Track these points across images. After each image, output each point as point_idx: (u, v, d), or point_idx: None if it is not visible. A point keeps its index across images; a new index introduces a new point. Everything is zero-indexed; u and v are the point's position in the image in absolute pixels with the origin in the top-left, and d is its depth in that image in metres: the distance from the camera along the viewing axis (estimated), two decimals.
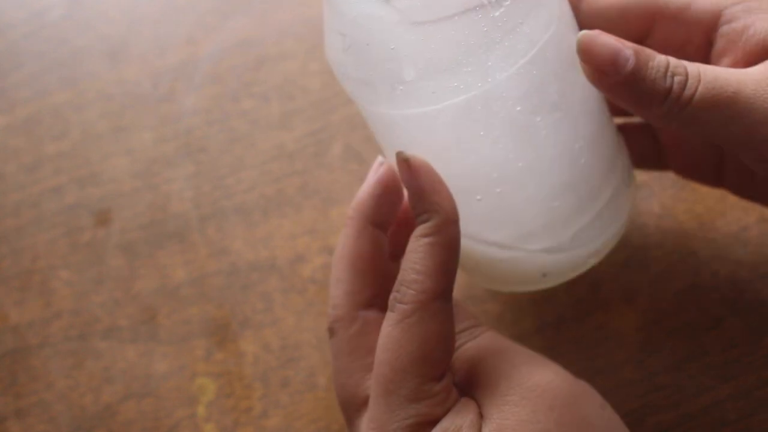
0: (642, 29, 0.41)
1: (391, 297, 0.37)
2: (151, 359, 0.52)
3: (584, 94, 0.40)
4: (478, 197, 0.41)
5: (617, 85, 0.36)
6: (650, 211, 0.51)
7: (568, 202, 0.42)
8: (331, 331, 0.40)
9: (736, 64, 0.39)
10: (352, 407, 0.39)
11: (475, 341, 0.39)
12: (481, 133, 0.38)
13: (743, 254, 0.50)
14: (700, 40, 0.40)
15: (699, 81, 0.36)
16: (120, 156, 0.58)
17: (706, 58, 0.41)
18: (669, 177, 0.52)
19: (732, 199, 0.51)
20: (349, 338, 0.39)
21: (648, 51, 0.36)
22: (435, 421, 0.36)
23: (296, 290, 0.52)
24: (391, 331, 0.36)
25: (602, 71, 0.36)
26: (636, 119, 0.48)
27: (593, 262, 0.44)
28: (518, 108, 0.38)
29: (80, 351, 0.52)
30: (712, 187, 0.47)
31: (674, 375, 0.47)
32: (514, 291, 0.47)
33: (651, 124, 0.44)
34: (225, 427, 0.49)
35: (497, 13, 0.35)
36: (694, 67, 0.36)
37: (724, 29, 0.39)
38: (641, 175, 0.52)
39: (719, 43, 0.40)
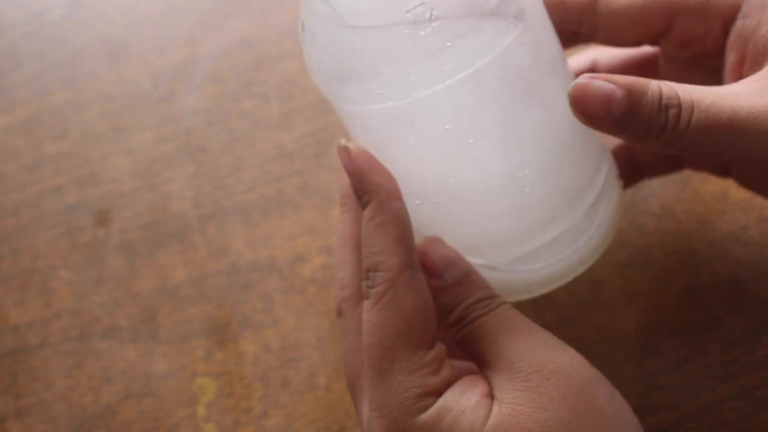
0: (662, 25, 0.41)
1: (363, 285, 0.38)
2: (151, 359, 0.52)
3: (540, 126, 0.40)
4: (417, 202, 0.41)
5: (613, 127, 0.36)
6: (650, 211, 0.51)
7: (508, 227, 0.41)
8: (339, 312, 0.41)
9: (741, 61, 0.39)
10: (357, 387, 0.39)
11: (491, 316, 0.38)
12: (410, 142, 0.39)
13: (743, 254, 0.50)
14: (719, 32, 0.40)
15: (692, 110, 0.36)
16: (120, 156, 0.58)
17: (723, 48, 0.41)
18: (669, 177, 0.52)
19: (732, 199, 0.51)
20: (357, 317, 0.40)
21: (641, 84, 0.36)
22: (434, 392, 0.36)
23: (296, 290, 0.52)
24: (370, 316, 0.37)
25: (597, 118, 0.36)
26: None
27: (541, 291, 0.44)
28: (447, 126, 0.38)
29: (80, 351, 0.52)
30: (720, 177, 0.48)
31: (674, 375, 0.47)
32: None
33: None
34: (225, 427, 0.49)
35: (423, 33, 0.36)
36: (687, 96, 0.36)
37: (738, 23, 0.39)
38: None
39: (731, 37, 0.40)
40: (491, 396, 0.36)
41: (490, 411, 0.35)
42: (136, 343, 0.52)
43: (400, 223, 0.38)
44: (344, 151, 0.39)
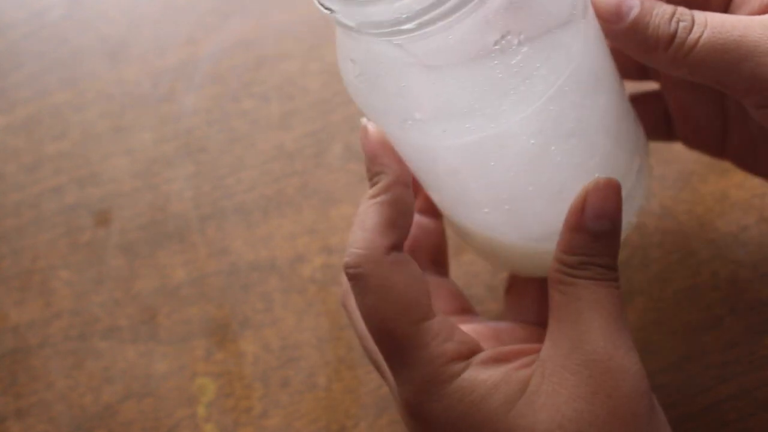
0: None
1: (344, 263, 0.37)
2: (151, 359, 0.52)
3: (604, 111, 0.40)
4: (486, 210, 0.40)
5: (622, 34, 0.36)
6: (650, 212, 0.51)
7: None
8: (357, 277, 0.38)
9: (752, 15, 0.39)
10: (379, 361, 0.39)
11: (598, 286, 0.37)
12: (492, 163, 0.38)
13: (743, 254, 0.50)
14: None
15: (705, 26, 0.36)
16: (120, 156, 0.58)
17: (726, 11, 0.40)
18: (669, 178, 0.52)
19: (732, 199, 0.51)
20: (380, 275, 0.37)
21: (654, 1, 0.36)
22: (456, 357, 0.36)
23: (296, 290, 0.52)
24: (362, 301, 0.36)
25: (608, 21, 0.36)
26: (648, 88, 0.48)
27: None
28: (532, 141, 0.37)
29: (80, 351, 0.52)
30: (716, 158, 0.47)
31: (674, 375, 0.47)
32: (530, 275, 0.47)
33: (661, 85, 0.43)
34: (225, 427, 0.49)
35: (513, 61, 0.34)
36: (701, 14, 0.36)
37: None
38: None
39: None
40: (526, 366, 0.36)
41: (525, 385, 0.35)
42: (136, 343, 0.52)
43: (398, 208, 0.38)
44: (363, 130, 0.39)
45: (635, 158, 0.43)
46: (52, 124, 0.60)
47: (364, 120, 0.39)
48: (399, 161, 0.39)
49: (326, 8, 0.33)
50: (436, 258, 0.44)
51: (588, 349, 0.35)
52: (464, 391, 0.35)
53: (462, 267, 0.51)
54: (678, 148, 0.53)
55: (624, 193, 0.41)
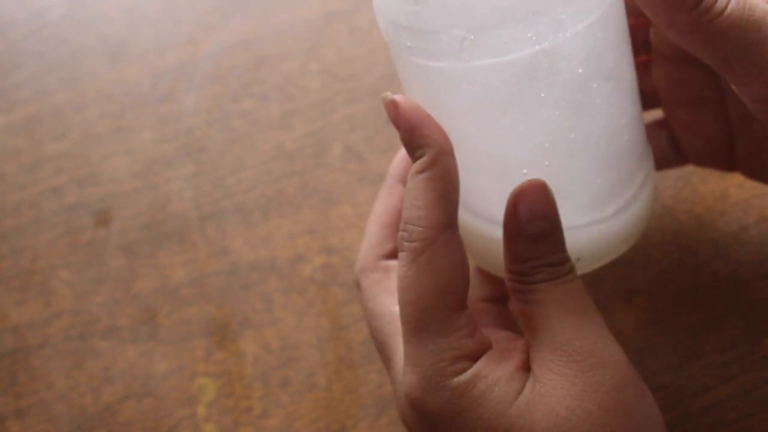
0: None
1: (399, 237, 0.37)
2: (151, 359, 0.52)
3: (632, 69, 0.40)
4: (525, 171, 0.40)
5: None
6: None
7: (610, 180, 0.41)
8: (357, 285, 0.41)
9: None
10: (387, 348, 0.39)
11: (554, 284, 0.37)
12: (542, 94, 0.38)
13: (743, 254, 0.50)
14: None
15: None
16: (120, 156, 0.58)
17: None
18: (670, 177, 0.52)
19: (732, 199, 0.51)
20: (371, 285, 0.40)
21: None
22: (468, 356, 0.36)
23: (296, 290, 0.52)
24: (406, 272, 0.36)
25: None
26: (652, 117, 0.48)
27: (624, 248, 0.44)
28: (580, 70, 0.38)
29: (80, 351, 0.52)
30: (727, 171, 0.47)
31: (674, 375, 0.47)
32: None
33: (671, 37, 0.43)
34: (225, 427, 0.49)
35: None
36: None
37: None
38: None
39: None
40: (526, 368, 0.36)
41: (523, 385, 0.36)
42: (136, 343, 0.52)
43: (447, 181, 0.37)
44: (391, 104, 0.38)
45: (642, 166, 0.44)
46: (52, 124, 0.60)
47: (387, 94, 0.38)
48: (440, 130, 0.38)
49: None
50: None
51: (566, 350, 0.36)
52: (466, 387, 0.36)
53: None
54: None
55: (623, 201, 0.42)
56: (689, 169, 0.52)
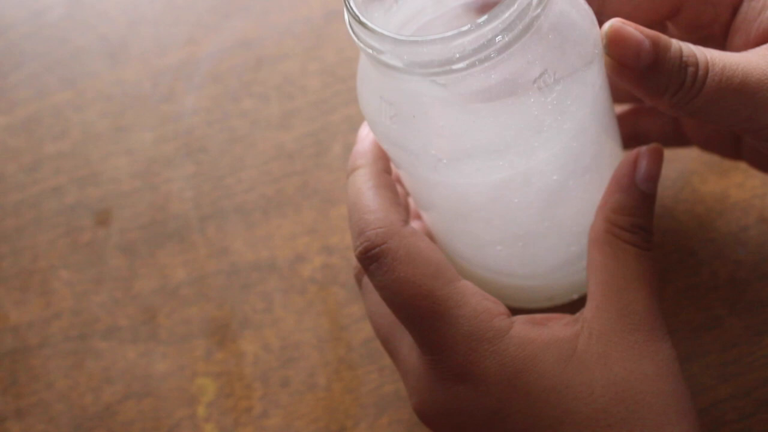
0: (670, 9, 0.41)
1: (363, 247, 0.37)
2: (151, 359, 0.52)
3: (611, 147, 0.42)
4: (499, 248, 0.42)
5: (636, 77, 0.36)
6: None
7: (583, 243, 0.43)
8: (381, 253, 0.37)
9: (746, 44, 0.39)
10: (394, 338, 0.40)
11: (643, 254, 0.38)
12: (515, 200, 0.39)
13: (743, 254, 0.50)
14: (727, 17, 0.40)
15: (707, 71, 0.36)
16: (120, 156, 0.58)
17: (728, 31, 0.41)
18: (670, 177, 0.52)
19: (732, 199, 0.51)
20: (407, 245, 0.37)
21: (664, 40, 0.36)
22: (504, 313, 0.37)
23: (296, 290, 0.52)
24: (394, 276, 0.36)
25: (625, 64, 0.36)
26: None
27: (576, 296, 0.47)
28: (555, 177, 0.39)
29: (80, 351, 0.52)
30: (731, 159, 0.48)
31: None
32: (522, 307, 0.48)
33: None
34: (225, 426, 0.49)
35: (549, 98, 0.36)
36: (703, 57, 0.36)
37: (744, 6, 0.39)
38: None
39: (737, 19, 0.40)
40: (571, 329, 0.37)
41: (575, 345, 0.36)
42: (136, 343, 0.52)
43: (393, 190, 0.38)
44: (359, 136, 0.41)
45: None
46: (52, 124, 0.60)
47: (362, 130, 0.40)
48: (383, 154, 0.40)
49: (372, 49, 0.34)
50: None
51: (635, 319, 0.37)
52: (517, 347, 0.36)
53: None
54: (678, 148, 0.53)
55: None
56: (689, 169, 0.52)
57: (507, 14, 0.33)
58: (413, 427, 0.48)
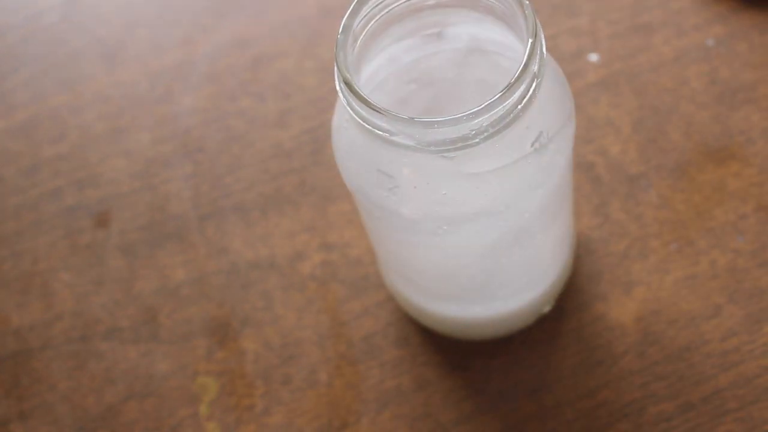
0: None
1: None
2: (152, 359, 0.52)
3: (570, 196, 0.44)
4: (463, 279, 0.44)
5: None
6: (648, 202, 0.51)
7: (539, 273, 0.46)
8: None
9: None
10: None
11: None
12: (504, 260, 0.42)
13: (741, 243, 0.50)
14: None
15: None
16: (118, 157, 0.58)
17: None
18: (667, 168, 0.52)
19: (730, 188, 0.51)
20: None
21: None
22: None
23: (296, 288, 0.52)
24: None
25: None
26: None
27: (548, 309, 0.49)
28: (535, 228, 0.41)
29: (82, 352, 0.52)
30: None
31: (674, 364, 0.47)
32: (472, 339, 0.50)
33: None
34: (227, 425, 0.49)
35: (545, 158, 0.37)
36: None
37: None
38: (639, 166, 0.52)
39: None
40: None
41: None
42: (137, 344, 0.52)
43: None
44: None
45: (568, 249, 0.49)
46: (50, 126, 0.60)
47: None
48: None
49: (383, 130, 0.34)
50: None
51: None
52: None
53: None
54: (676, 138, 0.53)
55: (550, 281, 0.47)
56: (686, 159, 0.52)
57: (523, 87, 0.34)
58: (415, 422, 0.48)
